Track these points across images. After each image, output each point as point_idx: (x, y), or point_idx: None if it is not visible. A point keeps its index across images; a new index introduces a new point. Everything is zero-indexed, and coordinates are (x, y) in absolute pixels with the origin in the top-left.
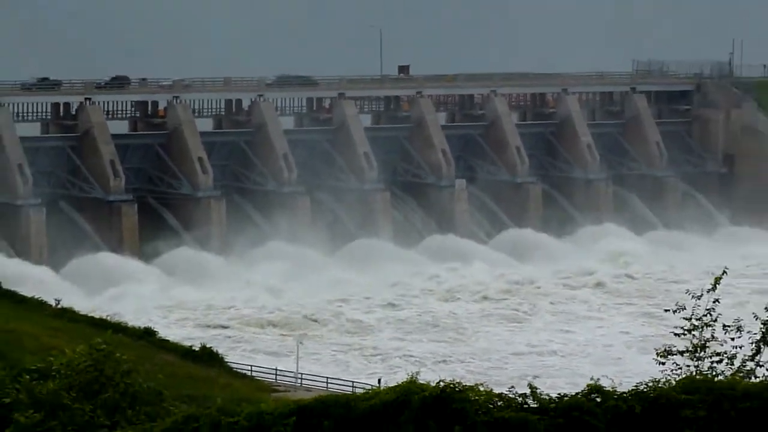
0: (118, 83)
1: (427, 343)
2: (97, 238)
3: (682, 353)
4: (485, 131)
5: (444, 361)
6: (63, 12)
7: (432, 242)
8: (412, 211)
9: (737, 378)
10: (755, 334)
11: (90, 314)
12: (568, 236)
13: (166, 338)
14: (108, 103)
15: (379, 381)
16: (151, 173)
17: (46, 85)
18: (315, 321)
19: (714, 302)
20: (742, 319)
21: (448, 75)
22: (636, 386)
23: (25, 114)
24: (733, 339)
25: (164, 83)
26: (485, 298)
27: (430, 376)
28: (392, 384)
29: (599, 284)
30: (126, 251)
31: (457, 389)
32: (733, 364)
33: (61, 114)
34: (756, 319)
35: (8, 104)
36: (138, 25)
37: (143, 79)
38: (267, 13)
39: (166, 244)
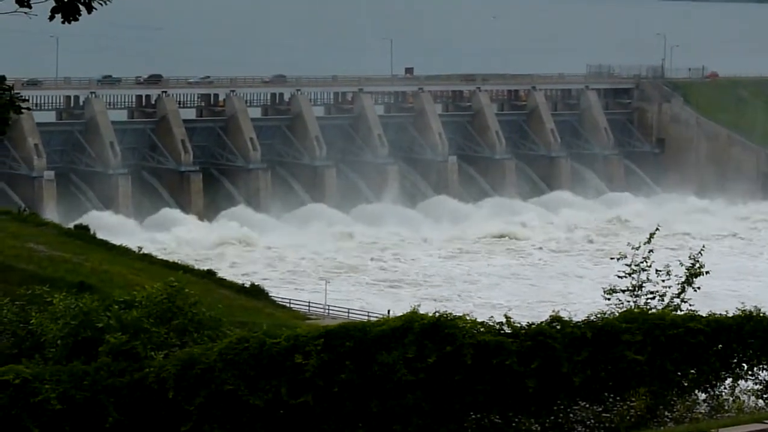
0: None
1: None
2: (171, 200)
3: (623, 291)
4: (471, 119)
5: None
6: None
7: (430, 203)
8: (415, 179)
9: (666, 311)
10: (681, 277)
11: (164, 258)
12: (536, 200)
13: (224, 278)
14: (179, 95)
15: (389, 312)
16: (213, 150)
17: (110, 81)
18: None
19: (649, 252)
20: (670, 265)
21: (443, 75)
22: (588, 317)
23: (115, 103)
24: (663, 281)
25: (223, 79)
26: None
27: (428, 309)
28: (399, 314)
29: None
30: (192, 210)
31: (449, 318)
32: (663, 301)
33: (143, 103)
34: (681, 265)
35: (102, 95)
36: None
37: (206, 77)
38: (305, 25)
39: (225, 205)
